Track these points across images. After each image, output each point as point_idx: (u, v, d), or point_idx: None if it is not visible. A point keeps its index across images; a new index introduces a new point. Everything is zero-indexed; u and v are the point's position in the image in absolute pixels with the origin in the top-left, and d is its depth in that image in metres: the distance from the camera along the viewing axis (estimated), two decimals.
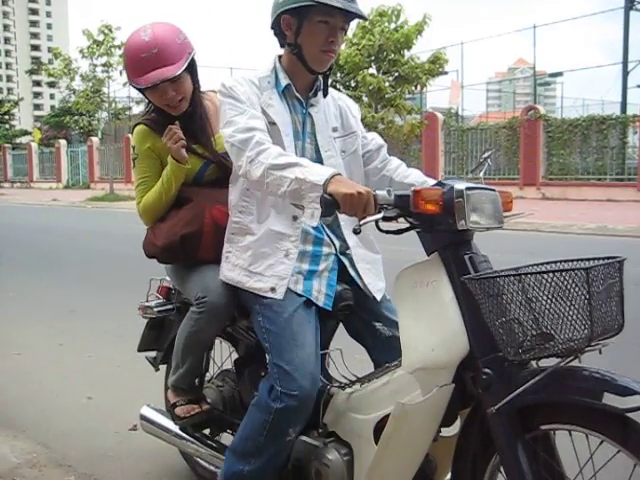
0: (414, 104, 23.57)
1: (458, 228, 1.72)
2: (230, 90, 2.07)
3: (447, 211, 1.72)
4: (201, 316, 2.25)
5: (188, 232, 2.31)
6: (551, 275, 1.50)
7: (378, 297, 2.18)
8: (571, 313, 1.50)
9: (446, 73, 22.27)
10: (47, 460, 2.96)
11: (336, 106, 2.28)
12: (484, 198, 1.75)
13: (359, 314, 2.19)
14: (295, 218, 2.07)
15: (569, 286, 1.49)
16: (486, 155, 2.03)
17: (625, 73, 22.35)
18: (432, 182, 2.13)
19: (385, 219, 1.76)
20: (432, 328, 1.77)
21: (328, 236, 2.17)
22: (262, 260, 2.08)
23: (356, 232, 1.74)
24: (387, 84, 20.43)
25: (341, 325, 2.28)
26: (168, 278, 2.60)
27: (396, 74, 20.65)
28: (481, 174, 1.98)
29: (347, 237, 2.18)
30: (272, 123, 2.07)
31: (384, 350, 2.04)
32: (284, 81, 2.14)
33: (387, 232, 1.85)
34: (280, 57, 2.18)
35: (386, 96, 20.49)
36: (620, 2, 22.14)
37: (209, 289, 2.23)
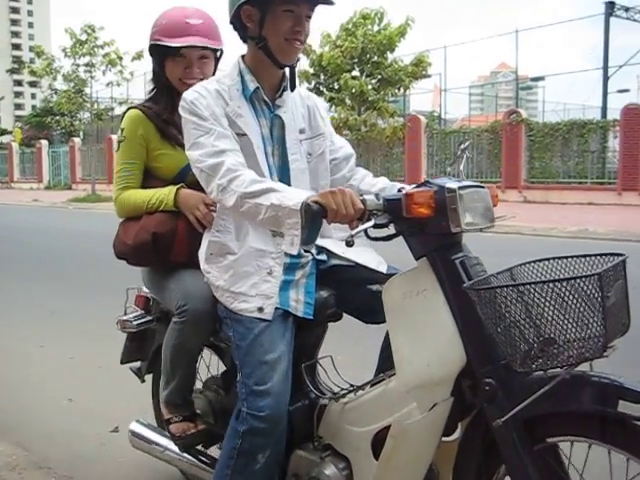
0: (397, 107, 23.63)
1: (452, 231, 1.61)
2: (192, 105, 1.94)
3: (440, 213, 1.60)
4: (184, 326, 2.12)
5: (161, 231, 2.20)
6: (563, 284, 1.41)
7: (384, 269, 2.06)
8: (585, 320, 1.41)
9: (429, 76, 22.35)
10: (27, 463, 2.93)
11: (304, 106, 2.15)
12: (476, 197, 1.65)
13: (358, 291, 2.07)
14: (275, 234, 1.95)
15: (581, 293, 1.40)
16: (463, 147, 1.89)
17: (605, 78, 22.51)
18: (400, 186, 2.06)
19: (376, 226, 1.64)
20: (426, 341, 1.67)
21: None
22: (245, 279, 1.96)
23: (349, 244, 1.59)
24: (370, 87, 20.47)
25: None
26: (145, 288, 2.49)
27: (379, 77, 20.71)
28: (461, 167, 1.85)
29: (319, 241, 2.06)
30: (242, 134, 1.96)
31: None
32: (252, 85, 2.02)
33: (376, 239, 1.76)
34: (243, 57, 2.07)
35: (369, 99, 20.53)
36: (601, 8, 22.35)
37: (189, 296, 2.11)
